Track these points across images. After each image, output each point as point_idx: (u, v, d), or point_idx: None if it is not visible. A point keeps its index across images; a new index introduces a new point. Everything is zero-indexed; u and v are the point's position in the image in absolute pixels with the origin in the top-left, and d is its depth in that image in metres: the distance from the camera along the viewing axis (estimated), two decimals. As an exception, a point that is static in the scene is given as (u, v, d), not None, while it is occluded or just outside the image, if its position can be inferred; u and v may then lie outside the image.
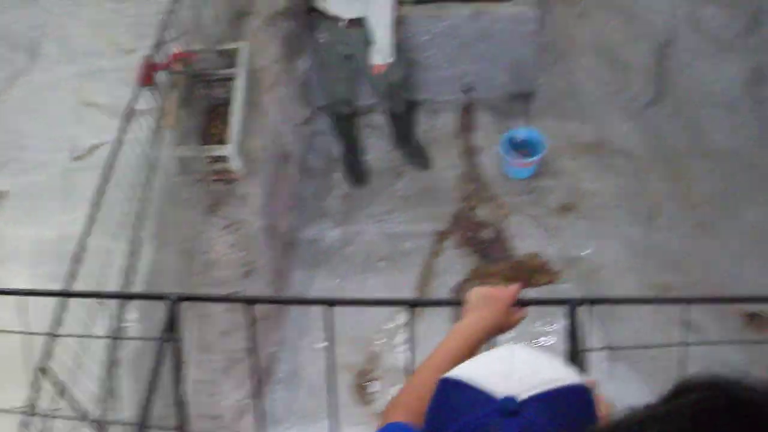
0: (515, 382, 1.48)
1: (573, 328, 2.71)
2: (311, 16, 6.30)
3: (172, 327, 2.72)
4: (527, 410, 1.45)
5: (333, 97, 6.77)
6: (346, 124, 6.96)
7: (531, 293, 6.11)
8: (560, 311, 5.87)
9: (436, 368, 2.08)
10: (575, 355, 2.67)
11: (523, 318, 2.50)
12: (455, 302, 2.62)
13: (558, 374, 1.52)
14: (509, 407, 1.44)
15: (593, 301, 2.78)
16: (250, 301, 2.91)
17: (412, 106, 7.06)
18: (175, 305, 2.72)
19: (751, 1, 7.37)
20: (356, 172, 7.10)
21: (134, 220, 4.62)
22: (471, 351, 2.24)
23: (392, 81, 6.51)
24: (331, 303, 2.83)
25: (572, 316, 2.70)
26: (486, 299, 2.42)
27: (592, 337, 3.30)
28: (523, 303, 2.50)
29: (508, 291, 2.46)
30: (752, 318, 6.07)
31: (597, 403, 1.58)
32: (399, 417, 2.05)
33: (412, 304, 2.87)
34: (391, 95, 6.73)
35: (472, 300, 2.44)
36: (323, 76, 6.74)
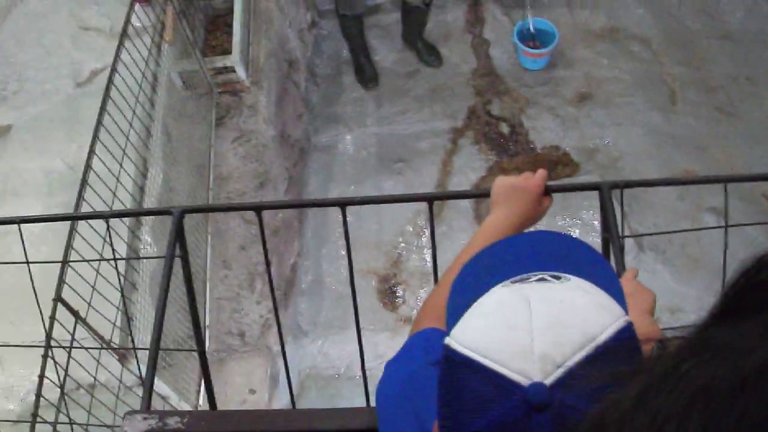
0: (540, 358, 1.18)
1: (606, 215, 2.57)
2: None
3: (179, 241, 2.62)
4: (559, 394, 1.15)
5: None
6: (353, 25, 6.80)
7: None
8: (582, 204, 5.85)
9: None
10: (610, 243, 2.54)
11: (550, 206, 2.37)
12: (476, 194, 2.50)
13: (591, 326, 1.20)
14: (538, 399, 1.15)
15: (626, 185, 2.63)
16: (258, 208, 2.79)
17: (428, 3, 6.89)
18: (180, 218, 2.62)
19: None
20: (367, 74, 6.97)
21: (141, 139, 4.53)
22: None
23: None
24: (344, 204, 2.70)
25: (605, 202, 2.56)
26: (513, 191, 2.26)
27: (624, 224, 3.18)
28: (551, 190, 2.34)
29: (535, 180, 2.29)
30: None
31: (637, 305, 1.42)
32: (431, 322, 1.94)
33: (431, 199, 2.73)
34: None
35: (498, 192, 2.28)
36: None
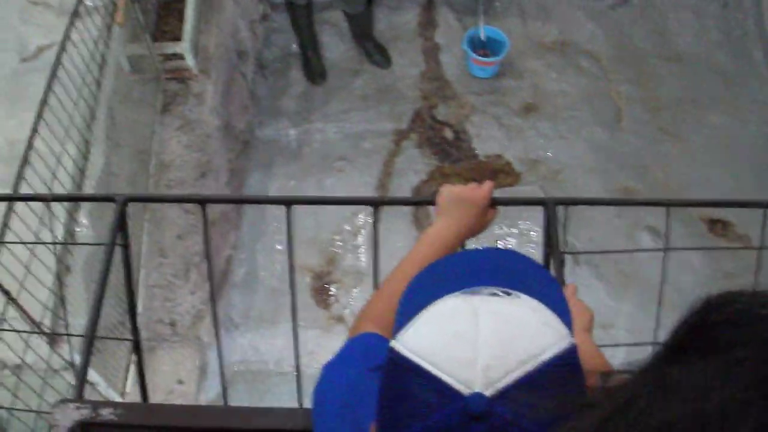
0: (482, 369, 1.20)
1: (549, 230, 2.59)
2: None
3: (121, 229, 2.59)
4: (499, 407, 1.17)
5: None
6: (303, 19, 6.75)
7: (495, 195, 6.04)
8: (521, 214, 5.88)
9: (408, 276, 1.92)
10: (551, 258, 2.57)
11: (495, 218, 2.38)
12: (422, 202, 2.51)
13: (536, 343, 1.23)
14: (477, 408, 1.17)
15: (572, 202, 2.66)
16: (203, 201, 2.77)
17: (369, 3, 6.88)
18: (124, 207, 2.59)
19: None
20: (314, 69, 6.93)
21: (85, 121, 4.48)
22: (444, 255, 2.12)
23: None
24: (289, 202, 2.69)
25: (549, 217, 2.58)
26: (459, 201, 2.27)
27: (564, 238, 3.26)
28: (496, 202, 2.36)
29: (482, 191, 2.29)
30: (715, 223, 6.07)
31: (575, 314, 1.45)
32: (371, 327, 1.94)
33: (377, 203, 2.73)
34: None
35: (444, 202, 2.29)
36: None
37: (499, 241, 5.90)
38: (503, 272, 1.45)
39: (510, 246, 5.86)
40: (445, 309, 1.32)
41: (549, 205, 2.59)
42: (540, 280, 1.49)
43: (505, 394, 1.18)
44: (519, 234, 5.95)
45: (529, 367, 1.20)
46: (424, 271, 1.56)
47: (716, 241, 6.00)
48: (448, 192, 2.30)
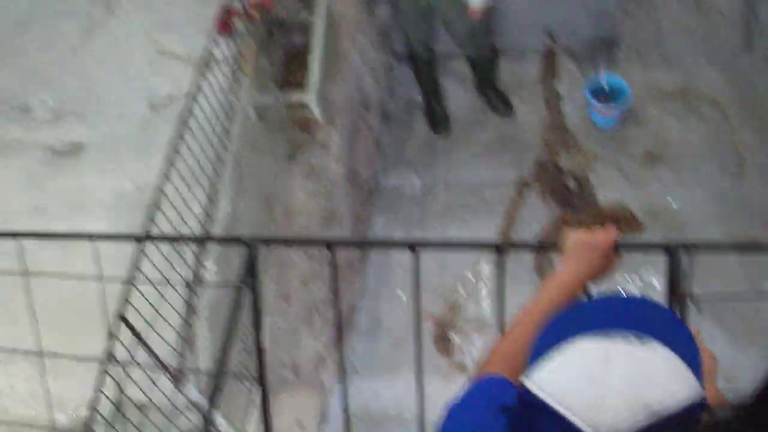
0: (611, 413, 1.27)
1: (672, 273, 2.58)
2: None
3: (251, 271, 2.65)
4: None
5: (411, 41, 6.63)
6: (425, 70, 6.86)
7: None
8: (643, 262, 5.82)
9: (535, 322, 1.96)
10: (675, 301, 2.55)
11: (618, 264, 2.38)
12: (546, 246, 2.53)
13: (665, 394, 1.29)
14: None
15: (692, 246, 2.64)
16: (331, 244, 2.82)
17: (495, 52, 6.93)
18: (254, 249, 2.65)
19: None
20: (437, 119, 7.00)
21: (213, 168, 4.58)
22: (569, 300, 2.14)
23: (474, 26, 6.37)
24: (415, 246, 2.73)
25: (672, 261, 2.57)
26: (584, 246, 2.31)
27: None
28: (620, 248, 2.37)
29: (606, 237, 2.34)
30: None
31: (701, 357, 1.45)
32: (497, 370, 1.97)
33: (501, 247, 2.75)
34: (474, 41, 6.60)
35: (569, 247, 2.33)
36: (400, 20, 6.57)
37: (621, 289, 5.86)
38: (636, 318, 1.48)
39: (633, 294, 5.81)
40: (577, 351, 1.37)
41: (672, 249, 2.58)
42: (672, 327, 1.51)
43: None
44: (642, 282, 5.89)
45: (657, 416, 1.25)
46: (560, 314, 1.59)
47: None
48: (574, 237, 2.34)
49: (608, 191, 6.48)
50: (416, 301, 2.83)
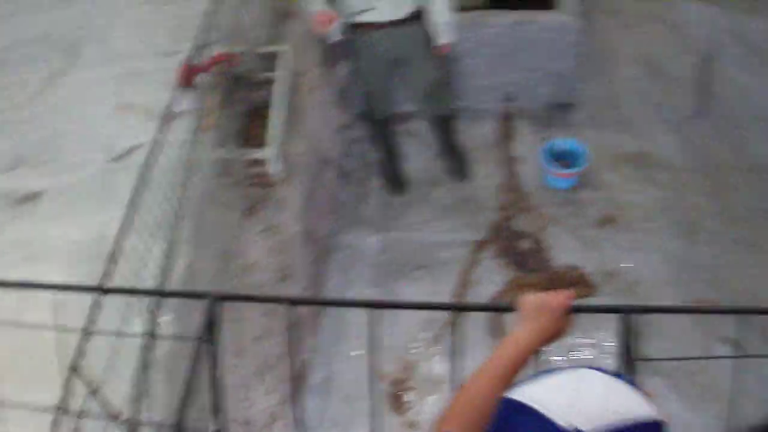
0: (582, 413, 1.43)
1: (625, 337, 2.64)
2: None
3: (210, 328, 2.66)
4: None
5: (370, 101, 6.69)
6: (383, 130, 6.90)
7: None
8: (596, 324, 5.87)
9: (491, 378, 2.06)
10: (628, 365, 2.61)
11: (572, 326, 2.43)
12: (502, 308, 2.57)
13: (630, 407, 1.46)
14: None
15: (645, 310, 2.70)
16: (293, 302, 2.84)
17: (454, 112, 7.00)
18: (214, 304, 2.66)
19: (797, 16, 7.32)
20: (395, 180, 7.05)
21: (171, 221, 4.59)
22: (524, 362, 2.21)
23: (438, 81, 6.47)
24: (373, 305, 2.76)
25: (625, 325, 2.63)
26: (540, 308, 2.35)
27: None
28: (575, 310, 2.42)
29: (562, 299, 2.38)
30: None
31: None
32: (453, 426, 2.00)
33: (458, 309, 2.79)
34: (436, 97, 6.68)
35: (525, 309, 2.37)
36: (361, 81, 6.62)
37: (574, 351, 5.89)
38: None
39: (585, 356, 5.85)
40: (553, 376, 1.56)
41: (624, 313, 2.64)
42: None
43: None
44: (595, 344, 5.94)
45: (622, 420, 1.42)
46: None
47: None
48: (531, 299, 2.39)
49: (562, 253, 6.55)
50: (372, 361, 2.85)
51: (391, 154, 7.05)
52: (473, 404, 2.00)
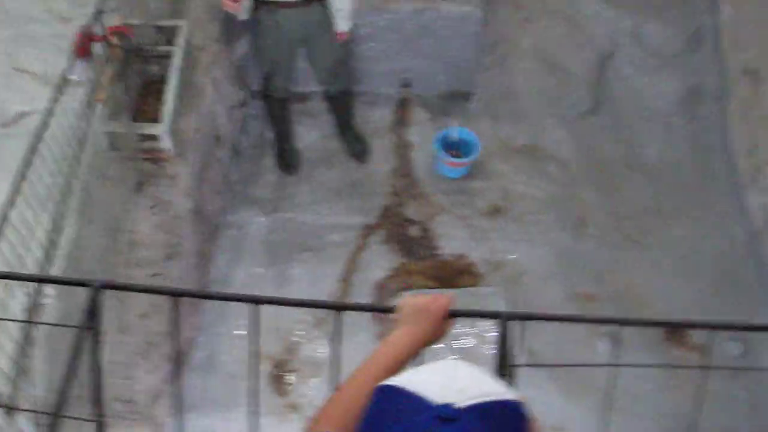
0: (454, 392, 1.49)
1: (502, 342, 2.68)
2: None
3: (93, 315, 2.63)
4: (465, 418, 1.45)
5: (270, 78, 6.63)
6: (280, 108, 6.85)
7: (455, 294, 6.09)
8: (485, 304, 5.92)
9: (367, 380, 2.05)
10: (504, 369, 2.65)
11: (451, 329, 2.47)
12: (383, 309, 2.59)
13: (497, 388, 1.53)
14: (447, 414, 1.44)
15: (525, 317, 2.75)
16: (176, 294, 2.82)
17: (351, 91, 6.99)
18: (98, 293, 2.63)
19: (692, 20, 7.45)
20: (288, 159, 7.01)
21: (59, 193, 4.52)
22: (402, 364, 2.24)
23: (339, 59, 6.52)
24: (257, 301, 2.77)
25: (502, 330, 2.67)
26: (418, 312, 2.38)
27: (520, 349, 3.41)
28: (454, 314, 2.45)
29: (441, 303, 2.41)
30: (672, 331, 6.12)
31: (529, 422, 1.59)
32: (328, 427, 2.02)
33: (339, 308, 2.81)
34: (337, 76, 6.69)
35: (405, 312, 2.40)
36: (264, 59, 6.57)
37: (460, 339, 5.93)
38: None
39: (469, 345, 5.89)
40: (426, 365, 1.62)
41: (503, 320, 2.68)
42: None
43: (470, 411, 1.46)
44: (478, 334, 5.98)
45: (492, 398, 1.50)
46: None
47: (672, 350, 6.05)
48: (409, 302, 2.43)
49: (450, 242, 6.58)
50: (255, 358, 2.85)
51: (285, 133, 7.01)
52: (348, 405, 2.02)
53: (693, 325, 3.27)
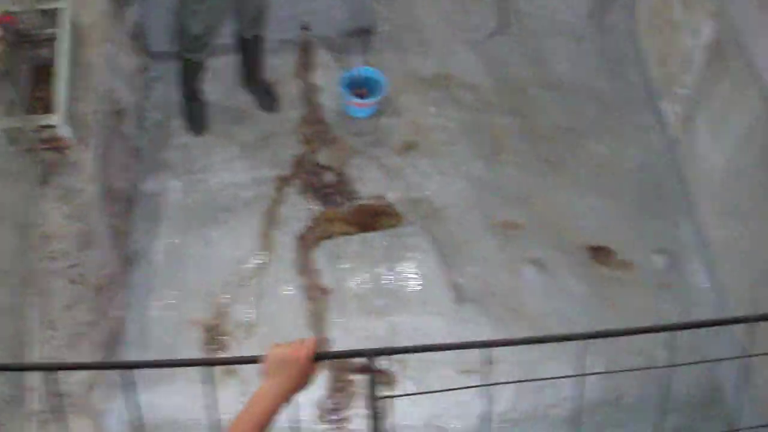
0: None
1: (372, 377, 2.86)
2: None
3: None
4: None
5: (193, 42, 6.43)
6: (198, 70, 6.74)
7: (376, 237, 6.13)
8: (402, 255, 5.97)
9: None
10: (372, 401, 2.78)
11: (317, 373, 2.60)
12: (249, 361, 2.69)
13: None
14: None
15: (390, 352, 2.98)
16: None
17: (264, 38, 6.88)
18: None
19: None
20: (197, 119, 6.91)
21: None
22: (275, 413, 2.43)
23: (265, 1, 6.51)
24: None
25: (370, 366, 2.83)
26: (283, 364, 2.51)
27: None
28: (320, 357, 2.59)
29: (305, 351, 2.54)
30: (597, 251, 6.20)
31: None
32: None
33: (211, 364, 2.99)
34: (260, 21, 6.63)
35: (270, 365, 2.53)
36: (194, 22, 6.26)
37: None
38: None
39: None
40: None
41: (368, 356, 2.81)
42: None
43: None
44: (397, 274, 6.04)
45: None
46: None
47: (599, 269, 6.14)
48: (273, 355, 2.55)
49: (367, 184, 6.59)
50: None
51: (195, 93, 6.90)
52: None
53: (647, 330, 3.19)
